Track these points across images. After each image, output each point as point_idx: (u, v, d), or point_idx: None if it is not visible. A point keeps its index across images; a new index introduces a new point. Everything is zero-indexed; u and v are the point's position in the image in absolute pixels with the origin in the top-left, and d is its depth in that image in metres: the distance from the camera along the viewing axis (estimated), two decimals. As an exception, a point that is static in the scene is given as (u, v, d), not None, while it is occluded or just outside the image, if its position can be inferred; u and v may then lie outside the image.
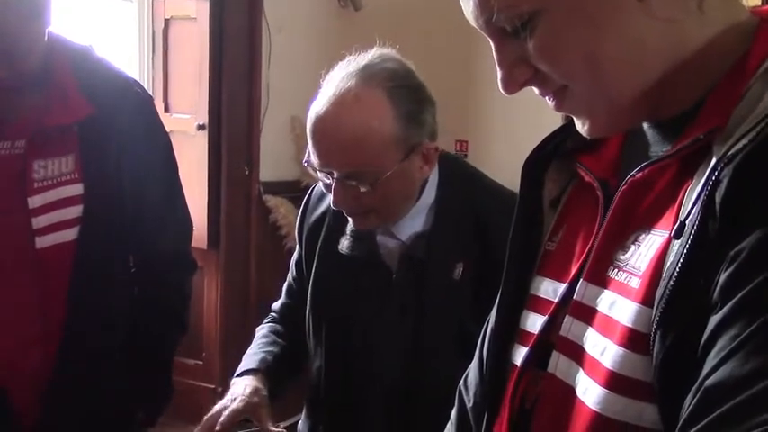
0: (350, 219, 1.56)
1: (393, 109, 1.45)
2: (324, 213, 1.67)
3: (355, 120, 1.44)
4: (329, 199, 1.61)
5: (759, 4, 2.73)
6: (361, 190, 1.46)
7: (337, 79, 1.48)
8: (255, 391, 1.58)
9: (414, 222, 1.57)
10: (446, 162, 1.61)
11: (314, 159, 1.49)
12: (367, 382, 1.60)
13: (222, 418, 1.54)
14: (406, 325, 1.56)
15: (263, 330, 1.78)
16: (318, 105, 1.48)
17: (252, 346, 1.74)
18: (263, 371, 1.64)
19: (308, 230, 1.70)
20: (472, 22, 0.80)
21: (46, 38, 1.57)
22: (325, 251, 1.65)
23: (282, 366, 1.68)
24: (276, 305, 1.84)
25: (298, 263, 1.76)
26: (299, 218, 1.76)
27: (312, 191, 1.75)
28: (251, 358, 1.68)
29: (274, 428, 1.56)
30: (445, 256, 1.54)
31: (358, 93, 1.45)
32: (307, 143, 1.53)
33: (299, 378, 1.78)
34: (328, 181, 1.49)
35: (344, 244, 1.61)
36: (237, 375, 1.65)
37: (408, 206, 1.56)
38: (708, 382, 0.62)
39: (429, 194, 1.58)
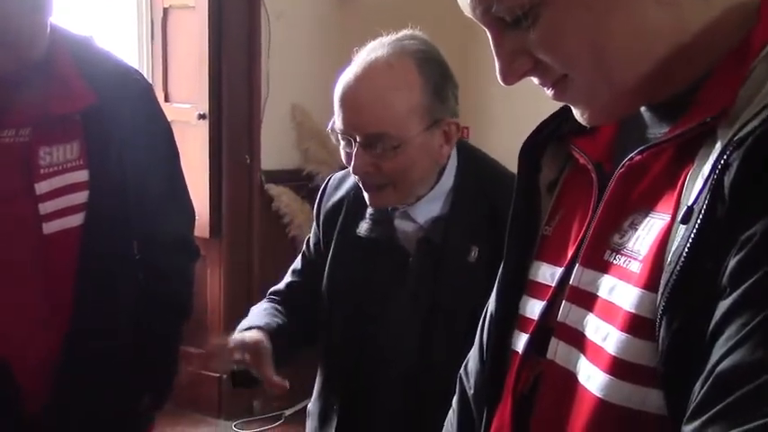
0: (366, 195, 1.58)
1: (421, 79, 1.52)
2: (342, 199, 1.71)
3: (385, 82, 1.50)
4: (348, 185, 1.69)
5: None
6: (381, 157, 1.51)
7: (369, 50, 1.54)
8: (260, 341, 1.57)
9: (432, 206, 1.60)
10: (464, 150, 1.66)
11: (338, 124, 1.54)
12: (381, 364, 1.61)
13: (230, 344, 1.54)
14: (420, 307, 1.58)
15: (261, 306, 1.77)
16: (349, 71, 1.54)
17: (250, 316, 1.71)
18: (268, 331, 1.62)
19: (326, 215, 1.73)
20: (468, 13, 0.78)
21: (48, 29, 1.58)
22: (343, 234, 1.67)
23: (284, 338, 1.65)
24: (276, 288, 1.83)
25: (316, 244, 1.77)
26: (316, 204, 1.79)
27: (329, 179, 1.79)
28: (254, 320, 1.67)
29: (277, 378, 1.55)
30: (462, 240, 1.57)
31: (390, 59, 1.52)
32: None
33: (295, 359, 1.75)
34: (349, 149, 1.53)
35: (363, 227, 1.64)
36: (240, 332, 1.64)
37: (424, 187, 1.59)
38: (719, 368, 0.61)
39: (447, 180, 1.61)
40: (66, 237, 1.62)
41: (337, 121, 1.54)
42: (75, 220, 1.62)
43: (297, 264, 1.83)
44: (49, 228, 1.60)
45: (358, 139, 1.51)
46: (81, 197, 1.63)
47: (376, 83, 1.50)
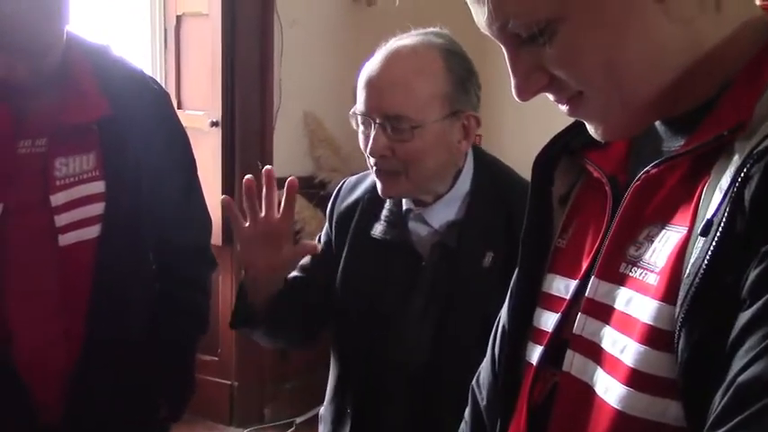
0: (378, 185, 1.59)
1: (445, 69, 1.54)
2: (356, 201, 1.71)
3: (409, 67, 1.53)
4: (363, 188, 1.71)
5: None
6: (398, 137, 1.52)
7: (395, 39, 1.57)
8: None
9: (447, 211, 1.61)
10: (481, 156, 1.67)
11: (359, 107, 1.56)
12: (393, 367, 1.61)
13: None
14: (432, 311, 1.58)
15: None
16: (375, 57, 1.56)
17: None
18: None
19: (339, 216, 1.74)
20: (484, 30, 0.79)
21: (65, 37, 1.58)
22: (357, 236, 1.68)
23: (284, 301, 1.65)
24: None
25: (326, 243, 1.77)
26: (329, 205, 1.79)
27: (344, 182, 1.80)
28: None
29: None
30: (476, 245, 1.58)
31: (416, 47, 1.55)
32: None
33: (277, 331, 1.75)
34: (368, 132, 1.55)
35: (378, 228, 1.65)
36: None
37: (439, 184, 1.60)
38: (739, 379, 0.61)
39: (463, 184, 1.62)
40: (82, 248, 1.61)
41: (359, 104, 1.56)
42: (92, 232, 1.62)
43: (305, 260, 1.81)
44: (65, 240, 1.59)
45: (377, 120, 1.52)
46: (97, 209, 1.62)
47: (400, 66, 1.52)
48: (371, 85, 1.54)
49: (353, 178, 1.79)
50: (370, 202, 1.67)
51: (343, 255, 1.69)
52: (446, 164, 1.59)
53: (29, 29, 1.48)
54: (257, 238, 1.60)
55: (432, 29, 1.60)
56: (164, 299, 1.80)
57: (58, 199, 1.58)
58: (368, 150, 1.55)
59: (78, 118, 1.60)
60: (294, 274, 1.80)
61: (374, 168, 1.58)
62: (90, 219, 1.61)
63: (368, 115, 1.54)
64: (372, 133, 1.53)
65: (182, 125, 1.85)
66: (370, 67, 1.55)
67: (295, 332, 1.78)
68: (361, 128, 1.57)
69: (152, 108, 1.72)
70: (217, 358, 4.00)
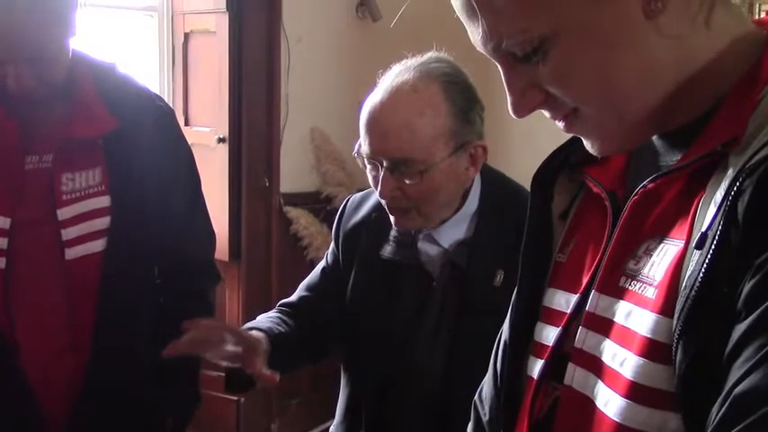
0: (391, 217, 1.58)
1: (447, 103, 1.51)
2: (363, 221, 1.71)
3: (410, 108, 1.49)
4: (368, 207, 1.69)
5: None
6: (407, 181, 1.50)
7: (394, 73, 1.54)
8: (257, 338, 1.54)
9: (456, 230, 1.60)
10: (488, 174, 1.66)
11: (364, 148, 1.54)
12: (407, 388, 1.60)
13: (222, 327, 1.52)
14: (444, 332, 1.58)
15: (269, 314, 1.74)
16: (375, 96, 1.53)
17: (255, 321, 1.69)
18: (269, 336, 1.59)
19: (345, 236, 1.73)
20: (480, 48, 0.80)
21: (70, 52, 1.60)
22: (365, 257, 1.67)
23: (284, 348, 1.61)
24: (287, 300, 1.80)
25: (334, 262, 1.76)
26: (334, 225, 1.78)
27: (348, 201, 1.79)
28: (258, 323, 1.64)
29: (266, 371, 1.50)
30: (486, 264, 1.57)
31: (415, 84, 1.51)
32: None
33: (292, 371, 1.73)
34: (376, 173, 1.54)
35: (387, 249, 1.64)
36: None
37: (449, 210, 1.60)
38: (736, 390, 0.62)
39: (472, 203, 1.61)
40: (88, 262, 1.63)
41: (363, 146, 1.54)
42: (97, 245, 1.64)
43: (313, 279, 1.80)
44: (71, 253, 1.61)
45: (384, 164, 1.51)
46: (103, 223, 1.64)
47: (401, 108, 1.50)
48: (375, 127, 1.52)
49: (358, 196, 1.78)
50: (378, 222, 1.66)
51: (352, 275, 1.69)
52: (456, 192, 1.59)
53: (34, 38, 1.50)
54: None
55: (430, 54, 1.57)
56: (168, 312, 1.81)
57: (64, 213, 1.60)
58: (378, 193, 1.55)
59: (85, 133, 1.63)
60: (303, 293, 1.80)
61: (385, 205, 1.58)
62: (96, 233, 1.63)
63: (374, 158, 1.53)
64: (381, 176, 1.52)
65: (186, 142, 1.87)
66: (372, 107, 1.52)
67: (306, 362, 1.79)
68: (369, 167, 1.56)
69: (157, 125, 1.74)
70: (223, 374, 4.00)
